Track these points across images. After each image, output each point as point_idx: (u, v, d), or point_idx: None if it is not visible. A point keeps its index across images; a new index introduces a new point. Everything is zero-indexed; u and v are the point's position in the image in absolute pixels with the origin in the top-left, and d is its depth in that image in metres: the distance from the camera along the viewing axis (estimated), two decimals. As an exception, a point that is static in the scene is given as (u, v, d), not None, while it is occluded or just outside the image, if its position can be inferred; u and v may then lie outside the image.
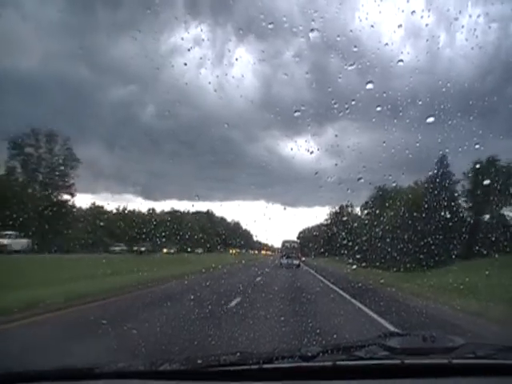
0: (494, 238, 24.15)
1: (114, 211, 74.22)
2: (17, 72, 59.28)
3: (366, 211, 49.33)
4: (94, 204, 73.01)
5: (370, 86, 8.36)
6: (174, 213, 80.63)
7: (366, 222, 41.82)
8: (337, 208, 65.01)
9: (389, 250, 30.44)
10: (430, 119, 8.55)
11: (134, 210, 76.83)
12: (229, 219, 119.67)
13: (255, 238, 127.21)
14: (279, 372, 1.93)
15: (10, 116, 48.83)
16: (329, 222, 70.52)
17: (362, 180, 10.11)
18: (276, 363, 1.96)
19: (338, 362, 1.92)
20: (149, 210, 79.96)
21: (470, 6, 19.65)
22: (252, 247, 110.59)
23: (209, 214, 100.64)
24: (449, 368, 1.92)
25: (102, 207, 72.72)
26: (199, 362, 2.09)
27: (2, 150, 50.11)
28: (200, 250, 68.91)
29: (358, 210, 55.61)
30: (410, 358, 1.96)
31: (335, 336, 7.20)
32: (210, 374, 1.94)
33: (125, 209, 76.13)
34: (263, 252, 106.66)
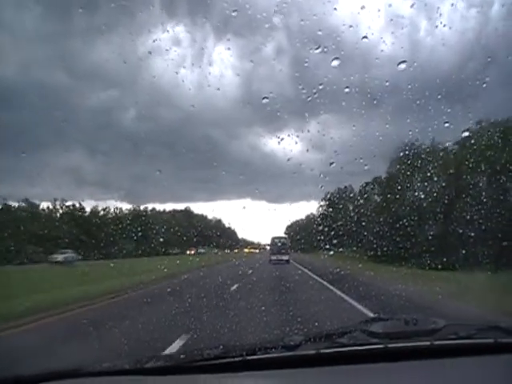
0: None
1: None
2: None
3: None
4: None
5: (351, 78, 8.40)
6: (140, 212, 76.71)
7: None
8: (321, 201, 64.88)
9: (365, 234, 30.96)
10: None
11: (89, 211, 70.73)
12: (210, 217, 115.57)
13: (240, 236, 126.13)
14: (263, 363, 1.92)
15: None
16: (314, 215, 71.18)
17: (334, 164, 10.23)
18: (259, 354, 1.95)
19: (321, 350, 1.91)
20: (115, 208, 76.54)
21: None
22: (236, 245, 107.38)
23: (187, 212, 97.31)
24: (432, 350, 1.93)
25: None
26: (182, 357, 2.08)
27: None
28: (175, 251, 66.07)
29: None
30: (393, 341, 1.97)
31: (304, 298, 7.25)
32: (193, 369, 1.93)
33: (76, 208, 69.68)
34: (246, 250, 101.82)
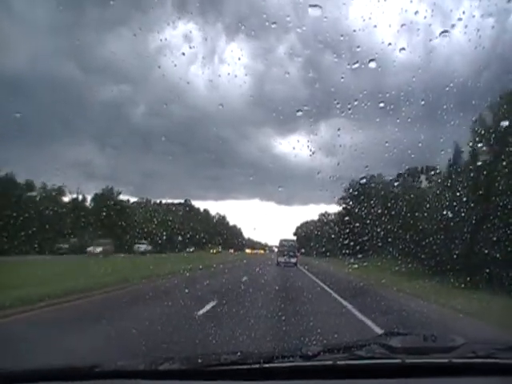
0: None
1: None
2: (7, 71, 58.34)
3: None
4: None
5: (364, 83, 8.38)
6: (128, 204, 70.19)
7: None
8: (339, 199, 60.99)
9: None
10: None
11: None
12: (213, 213, 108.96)
13: (247, 236, 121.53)
14: (280, 371, 1.93)
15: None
16: (328, 214, 68.75)
17: (344, 170, 10.09)
18: (276, 362, 1.95)
19: (338, 362, 1.92)
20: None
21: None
22: (240, 246, 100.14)
23: (187, 206, 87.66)
24: (450, 367, 1.92)
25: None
26: (199, 361, 2.08)
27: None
28: (191, 249, 63.84)
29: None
30: (411, 357, 1.96)
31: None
32: (210, 374, 1.93)
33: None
34: (248, 251, 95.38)
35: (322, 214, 73.80)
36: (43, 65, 74.30)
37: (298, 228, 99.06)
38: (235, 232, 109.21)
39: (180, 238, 57.65)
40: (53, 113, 70.66)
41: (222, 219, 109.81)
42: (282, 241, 42.91)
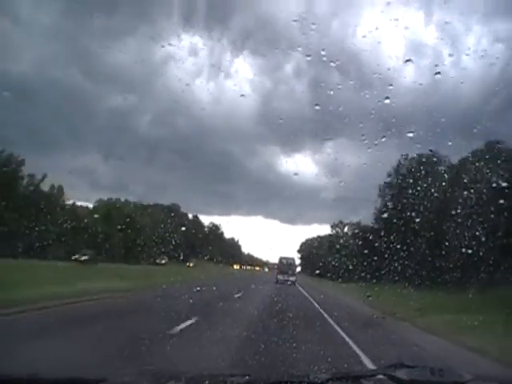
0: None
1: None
2: (13, 79, 57.75)
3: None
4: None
5: (368, 103, 8.47)
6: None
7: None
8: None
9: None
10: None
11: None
12: (206, 222, 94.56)
13: (247, 251, 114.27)
14: None
15: (5, 124, 47.87)
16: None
17: (347, 190, 10.06)
18: None
19: None
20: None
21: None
22: (235, 261, 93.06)
23: (172, 211, 72.16)
24: None
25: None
26: (206, 382, 2.08)
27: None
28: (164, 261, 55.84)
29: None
30: None
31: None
32: None
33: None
34: (235, 267, 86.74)
35: (336, 225, 70.57)
36: (48, 71, 74.69)
37: (302, 244, 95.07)
38: (232, 246, 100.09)
39: (141, 246, 49.25)
40: (58, 121, 71.07)
41: (214, 229, 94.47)
42: (281, 258, 42.42)
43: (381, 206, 40.79)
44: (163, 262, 56.64)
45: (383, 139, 11.73)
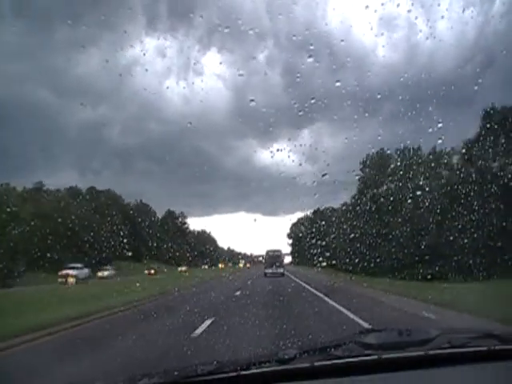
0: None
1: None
2: None
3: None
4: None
5: (344, 87, 8.48)
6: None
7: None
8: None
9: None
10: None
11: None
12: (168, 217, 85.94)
13: (226, 247, 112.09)
14: (258, 377, 1.90)
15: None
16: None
17: (327, 176, 10.19)
18: (254, 369, 1.93)
19: (315, 363, 1.91)
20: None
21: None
22: (210, 260, 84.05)
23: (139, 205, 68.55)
24: (426, 359, 1.93)
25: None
26: (176, 373, 2.04)
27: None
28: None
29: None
30: (387, 352, 1.97)
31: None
32: None
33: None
34: (220, 266, 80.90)
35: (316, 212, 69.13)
36: (13, 88, 71.27)
37: (292, 226, 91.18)
38: (207, 241, 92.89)
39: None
40: (25, 138, 67.99)
41: (181, 225, 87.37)
42: (268, 251, 42.81)
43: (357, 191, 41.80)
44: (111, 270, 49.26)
45: (362, 120, 11.84)
